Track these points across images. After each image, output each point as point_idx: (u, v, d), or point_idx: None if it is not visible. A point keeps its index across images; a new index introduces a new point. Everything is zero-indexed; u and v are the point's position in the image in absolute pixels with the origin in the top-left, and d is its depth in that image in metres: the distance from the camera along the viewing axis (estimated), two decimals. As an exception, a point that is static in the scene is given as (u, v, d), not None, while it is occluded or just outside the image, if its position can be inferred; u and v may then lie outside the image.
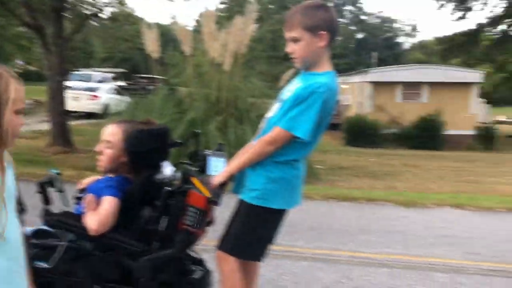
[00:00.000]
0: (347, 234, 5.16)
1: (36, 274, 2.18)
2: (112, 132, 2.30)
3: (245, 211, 2.34)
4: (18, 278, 1.54)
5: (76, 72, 26.71)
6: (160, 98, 9.38)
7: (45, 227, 2.33)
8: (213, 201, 2.18)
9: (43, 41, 11.27)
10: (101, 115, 19.08)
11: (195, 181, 2.20)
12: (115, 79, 29.51)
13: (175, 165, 2.43)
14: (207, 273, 2.44)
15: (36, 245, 2.18)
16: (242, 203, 2.37)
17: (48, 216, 2.16)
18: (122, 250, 2.12)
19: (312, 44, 2.24)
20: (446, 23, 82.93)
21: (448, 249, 4.77)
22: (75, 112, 18.00)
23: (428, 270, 4.16)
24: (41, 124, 17.14)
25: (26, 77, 43.11)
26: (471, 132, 21.33)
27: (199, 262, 2.46)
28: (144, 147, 2.26)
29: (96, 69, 33.63)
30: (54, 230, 2.23)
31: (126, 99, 19.77)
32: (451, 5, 22.51)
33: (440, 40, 33.36)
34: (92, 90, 19.93)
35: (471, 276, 4.04)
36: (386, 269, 4.12)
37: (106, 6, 15.86)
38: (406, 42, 67.63)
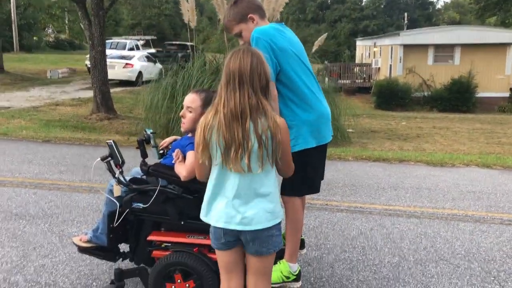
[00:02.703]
0: (379, 190, 5.62)
1: (133, 213, 2.78)
2: (192, 99, 2.79)
3: None
4: None
5: (108, 41, 27.42)
6: (197, 66, 9.81)
7: (138, 176, 2.90)
8: None
9: (84, 13, 11.82)
10: (135, 82, 19.83)
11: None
12: (144, 46, 30.05)
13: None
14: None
15: (135, 190, 2.75)
16: None
17: (145, 167, 2.70)
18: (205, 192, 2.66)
19: (249, 27, 2.74)
20: (482, -20, 79.17)
21: (473, 203, 5.19)
22: (111, 80, 18.68)
23: (453, 220, 4.61)
24: (79, 92, 17.99)
25: (58, 46, 44.17)
26: (504, 94, 21.10)
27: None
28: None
29: (127, 37, 34.24)
30: (148, 178, 2.79)
31: (158, 66, 20.41)
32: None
33: (475, -1, 32.36)
34: (126, 58, 20.50)
35: (492, 226, 4.47)
36: (415, 219, 4.59)
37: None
38: (439, 1, 65.37)
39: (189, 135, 2.86)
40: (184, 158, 2.67)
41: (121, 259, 3.01)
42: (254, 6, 2.78)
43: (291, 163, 2.19)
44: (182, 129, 2.85)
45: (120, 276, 2.86)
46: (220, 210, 2.10)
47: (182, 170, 2.60)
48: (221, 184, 2.09)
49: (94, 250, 2.95)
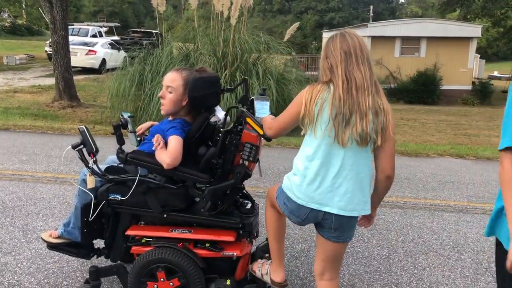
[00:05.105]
0: (358, 180, 5.50)
1: (110, 205, 2.51)
2: (173, 78, 2.53)
3: None
4: None
5: (69, 27, 26.33)
6: (166, 53, 9.45)
7: (114, 164, 2.62)
8: (266, 137, 2.43)
9: (46, -5, 11.17)
10: (99, 70, 19.10)
11: (250, 121, 2.45)
12: (108, 33, 29.10)
13: (227, 109, 2.68)
14: (254, 204, 2.75)
15: (111, 180, 2.47)
16: None
17: (122, 154, 2.41)
18: (191, 182, 2.41)
19: None
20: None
21: (453, 193, 5.15)
22: (73, 67, 17.92)
23: (436, 210, 4.54)
24: (39, 79, 17.16)
25: (15, 31, 42.29)
26: (467, 87, 21.59)
27: (248, 196, 2.77)
28: (202, 92, 2.51)
29: (90, 23, 33.05)
30: (125, 166, 2.51)
31: (122, 53, 19.74)
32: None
33: (438, -6, 32.98)
34: (89, 45, 19.75)
35: (476, 216, 4.42)
36: (398, 210, 4.49)
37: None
38: (402, -5, 66.60)
39: (170, 118, 2.61)
40: (166, 143, 2.41)
41: (95, 256, 2.73)
42: None
43: (393, 160, 2.10)
44: (162, 112, 2.59)
45: (96, 274, 2.58)
46: (314, 190, 2.03)
47: (165, 157, 2.34)
48: (324, 162, 2.01)
49: (66, 246, 2.66)
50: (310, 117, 2.00)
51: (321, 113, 1.98)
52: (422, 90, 20.07)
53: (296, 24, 10.96)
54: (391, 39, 21.69)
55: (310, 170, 2.04)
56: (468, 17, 28.30)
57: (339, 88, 1.97)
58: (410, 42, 21.87)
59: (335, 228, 2.07)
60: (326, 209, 2.03)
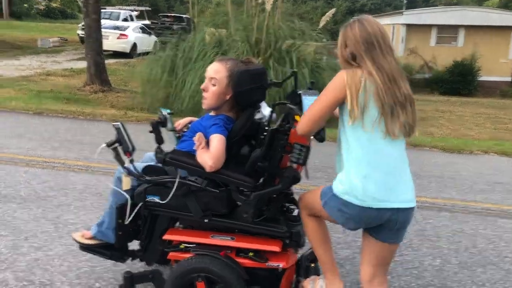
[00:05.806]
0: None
1: (148, 208, 2.32)
2: (217, 69, 2.31)
3: None
4: None
5: (102, 10, 26.38)
6: (199, 39, 9.25)
7: (153, 164, 2.42)
8: (318, 138, 2.17)
9: (79, -23, 11.10)
10: (129, 54, 19.08)
11: (299, 119, 2.19)
12: (139, 17, 29.17)
13: (272, 105, 2.45)
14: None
15: (149, 181, 2.28)
16: None
17: (161, 154, 2.21)
18: (235, 186, 2.20)
19: None
20: (482, -38, 78.20)
21: (505, 196, 4.81)
22: (104, 51, 17.93)
23: (489, 215, 4.22)
24: (71, 62, 17.25)
25: (49, 14, 42.89)
26: (506, 78, 20.71)
27: (295, 201, 2.54)
28: (248, 87, 2.28)
29: (121, 7, 33.16)
30: (165, 167, 2.31)
31: (153, 38, 19.67)
32: None
33: (477, -20, 31.72)
34: (120, 29, 19.74)
35: (532, 222, 4.09)
36: (447, 213, 4.19)
37: None
38: (438, -18, 64.51)
39: (211, 113, 2.39)
40: (208, 143, 2.20)
41: (130, 259, 2.57)
42: None
43: None
44: (204, 106, 2.37)
45: (131, 281, 2.41)
46: (378, 188, 1.88)
47: (207, 159, 2.13)
48: (382, 157, 1.91)
49: (99, 248, 2.50)
50: (356, 105, 1.87)
51: (368, 105, 1.88)
52: (458, 81, 19.31)
53: (332, 11, 10.55)
54: (427, 27, 20.93)
55: (370, 168, 1.88)
56: (509, 4, 27.15)
57: (376, 78, 1.87)
58: (447, 31, 21.05)
59: (400, 224, 1.96)
60: (395, 205, 1.91)
